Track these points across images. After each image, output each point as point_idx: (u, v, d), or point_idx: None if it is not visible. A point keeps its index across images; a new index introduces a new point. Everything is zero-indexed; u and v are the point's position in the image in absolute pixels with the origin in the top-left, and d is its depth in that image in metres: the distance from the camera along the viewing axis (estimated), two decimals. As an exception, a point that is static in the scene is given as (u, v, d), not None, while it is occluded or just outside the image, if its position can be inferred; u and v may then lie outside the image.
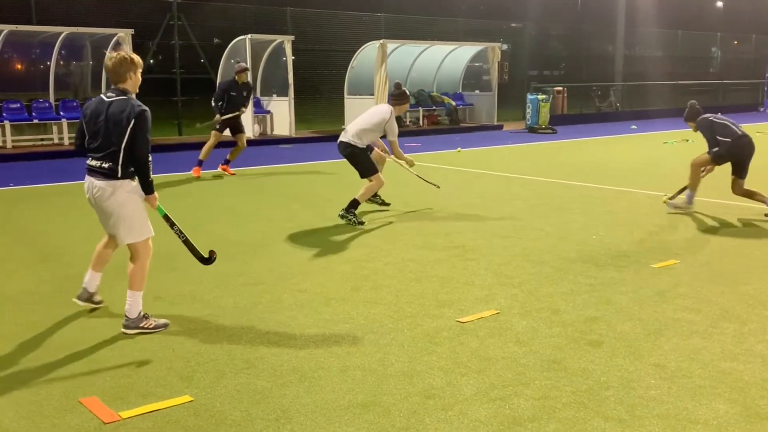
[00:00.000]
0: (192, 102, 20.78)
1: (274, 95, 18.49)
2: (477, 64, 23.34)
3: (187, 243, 5.07)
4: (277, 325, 4.73)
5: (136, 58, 4.67)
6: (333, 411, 3.54)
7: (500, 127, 21.90)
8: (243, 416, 3.49)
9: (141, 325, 4.61)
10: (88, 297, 5.02)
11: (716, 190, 9.25)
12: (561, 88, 23.88)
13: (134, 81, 4.67)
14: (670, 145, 16.70)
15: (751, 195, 8.24)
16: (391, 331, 4.63)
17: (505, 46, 23.21)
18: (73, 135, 15.70)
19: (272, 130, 18.50)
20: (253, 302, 5.22)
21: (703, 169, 8.54)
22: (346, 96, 20.41)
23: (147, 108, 4.54)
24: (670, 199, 8.76)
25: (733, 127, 8.28)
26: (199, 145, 16.92)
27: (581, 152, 15.57)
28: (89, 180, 4.60)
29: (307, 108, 21.53)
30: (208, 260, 5.09)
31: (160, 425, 3.40)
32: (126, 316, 4.63)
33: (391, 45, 20.08)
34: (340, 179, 11.60)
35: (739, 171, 8.20)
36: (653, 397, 3.68)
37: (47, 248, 6.93)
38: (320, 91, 23.09)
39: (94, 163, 4.55)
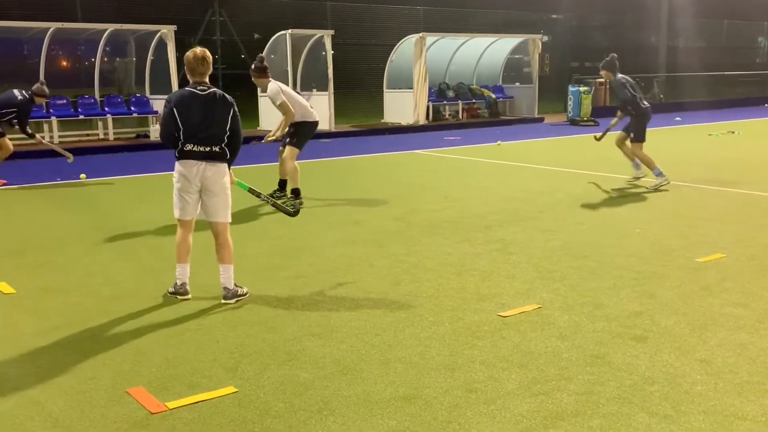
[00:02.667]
0: (233, 97, 20.96)
1: (314, 90, 18.57)
2: (517, 56, 23.13)
3: (275, 205, 6.12)
4: (319, 318, 4.77)
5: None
6: (375, 403, 3.56)
7: (541, 120, 21.70)
8: (286, 407, 3.53)
9: (238, 293, 5.10)
10: (185, 290, 5.19)
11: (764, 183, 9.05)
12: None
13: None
14: (716, 137, 16.38)
15: (631, 157, 9.93)
16: (431, 324, 4.64)
17: (545, 38, 22.97)
18: (118, 130, 16.09)
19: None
20: (295, 295, 5.26)
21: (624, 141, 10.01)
22: (385, 90, 20.42)
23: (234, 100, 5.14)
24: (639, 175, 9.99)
25: (641, 99, 9.77)
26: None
27: (624, 145, 15.34)
28: (199, 164, 4.99)
29: (346, 102, 21.58)
30: (295, 213, 6.15)
31: (206, 416, 3.46)
32: (225, 288, 5.09)
33: (430, 38, 20.02)
34: (380, 172, 11.64)
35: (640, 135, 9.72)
36: (699, 392, 3.63)
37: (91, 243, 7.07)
38: (359, 85, 23.14)
39: (202, 149, 4.97)
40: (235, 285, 5.14)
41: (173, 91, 15.61)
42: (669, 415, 3.40)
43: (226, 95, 5.10)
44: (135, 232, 7.38)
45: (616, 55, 10.19)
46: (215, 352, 4.22)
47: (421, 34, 19.49)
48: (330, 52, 17.92)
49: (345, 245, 6.72)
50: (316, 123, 8.90)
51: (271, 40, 18.38)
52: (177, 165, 5.08)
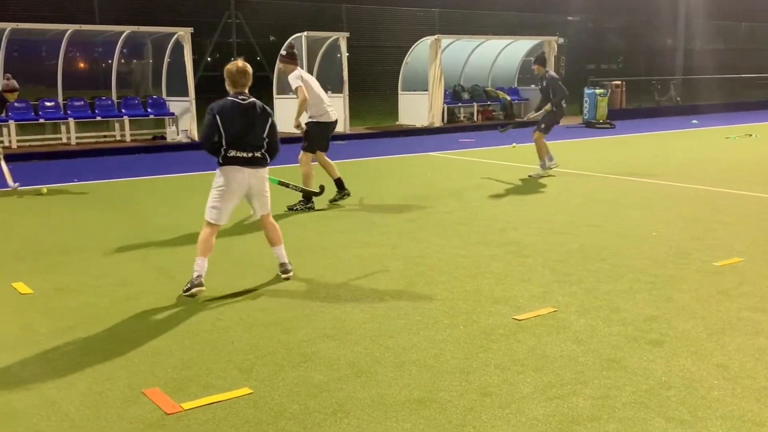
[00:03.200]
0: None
1: (329, 92, 18.60)
2: (532, 59, 23.05)
3: (303, 190, 7.04)
4: (333, 320, 4.77)
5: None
6: (389, 406, 3.55)
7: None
8: (301, 409, 3.53)
9: (290, 268, 5.71)
10: (201, 282, 5.26)
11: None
12: (619, 82, 23.44)
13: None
14: (733, 140, 16.26)
15: (540, 149, 10.92)
16: (446, 327, 4.62)
17: (561, 40, 22.84)
18: (135, 131, 16.18)
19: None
20: (309, 297, 5.27)
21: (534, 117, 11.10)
22: (400, 92, 20.42)
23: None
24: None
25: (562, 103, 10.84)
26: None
27: (640, 147, 15.27)
28: (245, 170, 5.35)
29: (361, 104, 21.62)
30: (320, 193, 6.79)
31: (221, 416, 3.47)
32: (284, 264, 5.69)
33: (445, 40, 20.02)
34: (394, 174, 11.63)
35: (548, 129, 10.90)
36: (716, 398, 3.59)
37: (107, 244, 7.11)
38: (374, 87, 23.16)
39: (247, 155, 5.34)
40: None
41: (189, 92, 15.78)
42: (686, 420, 3.37)
43: (265, 106, 5.43)
44: (150, 233, 7.41)
45: (544, 51, 11.23)
46: (230, 353, 4.23)
47: (436, 36, 19.49)
48: (345, 54, 17.94)
49: (359, 247, 6.72)
50: (329, 124, 8.67)
51: (286, 42, 18.39)
52: (221, 170, 5.37)
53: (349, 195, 8.95)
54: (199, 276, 5.24)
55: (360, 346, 4.32)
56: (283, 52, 8.57)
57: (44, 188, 9.95)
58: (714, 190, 9.51)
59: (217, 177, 5.38)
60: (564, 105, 11.01)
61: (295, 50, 8.60)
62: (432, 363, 4.06)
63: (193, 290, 5.19)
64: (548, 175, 10.95)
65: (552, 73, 11.16)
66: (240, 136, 5.28)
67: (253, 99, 5.39)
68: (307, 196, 8.53)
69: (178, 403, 3.59)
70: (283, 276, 5.66)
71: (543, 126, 10.97)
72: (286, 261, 5.71)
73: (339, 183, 8.92)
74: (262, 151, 5.40)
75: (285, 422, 3.41)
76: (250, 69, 5.39)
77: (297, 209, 8.44)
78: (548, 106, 10.89)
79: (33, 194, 9.83)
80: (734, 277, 5.62)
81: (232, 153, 5.28)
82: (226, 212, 5.43)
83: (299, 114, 8.41)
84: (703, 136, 17.72)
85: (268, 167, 5.54)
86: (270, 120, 5.42)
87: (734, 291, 5.26)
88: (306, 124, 8.57)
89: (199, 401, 3.61)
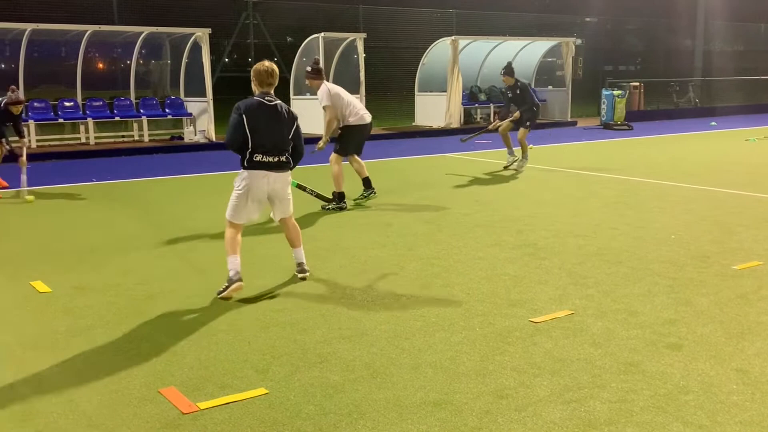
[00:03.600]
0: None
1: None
2: (550, 60, 22.98)
3: (318, 196, 7.24)
4: (349, 321, 4.77)
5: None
6: (405, 408, 3.54)
7: (574, 124, 21.53)
8: (316, 410, 3.53)
9: (307, 269, 5.73)
10: (239, 278, 5.23)
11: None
12: (637, 84, 23.30)
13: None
14: (752, 142, 16.11)
15: (522, 146, 11.75)
16: (462, 329, 4.61)
17: (579, 41, 22.75)
18: (153, 131, 16.30)
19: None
20: (326, 298, 5.27)
21: (499, 124, 12.15)
22: (416, 93, 20.41)
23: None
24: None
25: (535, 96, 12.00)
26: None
27: (659, 149, 15.17)
28: (268, 174, 5.29)
29: (378, 105, 21.61)
30: (331, 200, 6.90)
31: (237, 416, 3.47)
32: (302, 264, 5.71)
33: (463, 41, 19.98)
34: (411, 174, 11.62)
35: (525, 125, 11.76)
36: (735, 402, 3.56)
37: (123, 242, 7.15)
38: (391, 88, 23.15)
39: (271, 159, 5.27)
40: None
41: (207, 92, 15.86)
42: (704, 425, 3.33)
43: (291, 109, 5.42)
44: (169, 233, 7.45)
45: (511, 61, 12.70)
46: (246, 354, 4.24)
47: (453, 37, 19.46)
48: (362, 55, 17.96)
49: (375, 248, 6.72)
50: (362, 126, 8.77)
51: (303, 44, 18.48)
52: (245, 173, 5.30)
53: (375, 195, 9.11)
54: (236, 273, 5.21)
55: (376, 347, 4.32)
56: (308, 68, 8.69)
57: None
58: (734, 192, 9.42)
59: (240, 179, 5.33)
60: (537, 108, 12.13)
61: (320, 65, 8.71)
62: (448, 365, 4.05)
63: (232, 287, 5.14)
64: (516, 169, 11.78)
65: (523, 80, 12.03)
66: (267, 138, 5.23)
67: (279, 101, 5.37)
68: (340, 197, 8.60)
69: (194, 403, 3.60)
70: (300, 276, 5.67)
71: (528, 124, 11.87)
72: (304, 261, 5.73)
73: (366, 182, 9.05)
74: (287, 155, 5.38)
75: (301, 423, 3.41)
76: (277, 69, 5.39)
77: (330, 208, 8.55)
78: (516, 114, 11.75)
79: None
80: (754, 280, 5.56)
81: (258, 157, 5.23)
82: (247, 213, 5.38)
83: (327, 134, 8.62)
84: (722, 138, 17.57)
85: (290, 171, 5.53)
86: (295, 123, 5.40)
87: (754, 295, 5.21)
88: (340, 128, 8.74)
89: (215, 401, 3.62)
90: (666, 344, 4.31)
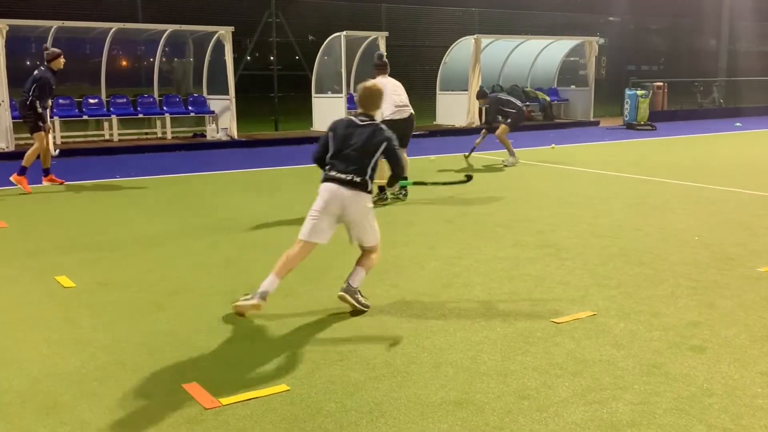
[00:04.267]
0: (288, 98, 21.18)
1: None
2: (573, 59, 22.86)
3: (446, 183, 6.94)
4: (370, 319, 4.77)
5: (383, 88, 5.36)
6: (425, 406, 3.54)
7: (596, 123, 21.40)
8: (337, 407, 3.54)
9: (357, 298, 4.95)
10: (266, 297, 4.80)
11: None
12: (661, 84, 23.09)
13: (381, 109, 6.12)
14: (779, 143, 15.92)
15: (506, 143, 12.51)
16: (483, 329, 4.60)
17: (602, 41, 22.63)
18: (176, 129, 16.43)
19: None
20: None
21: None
22: (438, 91, 20.38)
23: (393, 135, 5.11)
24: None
25: (517, 102, 12.70)
26: (295, 141, 17.20)
27: (682, 150, 15.03)
28: (337, 188, 4.93)
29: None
30: (468, 180, 6.46)
31: (259, 413, 3.49)
32: (348, 283, 4.95)
33: (485, 40, 19.92)
34: (432, 173, 11.60)
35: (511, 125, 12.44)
36: (760, 406, 3.52)
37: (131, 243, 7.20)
38: (413, 86, 23.06)
39: (342, 176, 4.94)
40: (359, 293, 5.01)
41: (230, 90, 15.95)
42: (728, 429, 3.30)
43: (385, 132, 5.06)
44: (193, 230, 7.50)
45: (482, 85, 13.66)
46: (268, 351, 4.26)
47: (476, 36, 19.41)
48: (384, 54, 17.94)
49: (396, 247, 6.72)
50: (401, 120, 9.08)
51: (325, 42, 18.50)
52: (321, 187, 5.02)
53: (405, 194, 9.35)
54: (265, 293, 4.76)
55: (396, 345, 4.32)
56: (376, 60, 9.54)
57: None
58: (759, 194, 9.32)
59: (319, 194, 5.03)
60: (516, 111, 12.53)
61: (384, 59, 9.46)
62: (469, 364, 4.04)
63: (252, 301, 4.72)
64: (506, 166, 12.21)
65: (493, 94, 13.20)
66: (341, 155, 4.99)
67: (370, 122, 5.06)
68: (381, 188, 8.90)
69: (216, 398, 3.62)
70: (341, 293, 4.96)
71: (510, 121, 12.39)
72: (356, 286, 5.01)
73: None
74: (364, 177, 4.96)
75: (322, 419, 3.42)
76: (378, 92, 5.21)
77: (374, 200, 8.79)
78: (484, 132, 12.67)
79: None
80: (779, 283, 5.50)
81: (333, 173, 4.97)
82: (317, 231, 4.95)
83: None
84: (747, 139, 17.38)
85: (368, 193, 5.04)
86: (384, 146, 5.00)
87: (779, 298, 5.15)
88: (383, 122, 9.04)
89: (237, 397, 3.64)
90: (689, 346, 4.28)
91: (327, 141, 5.09)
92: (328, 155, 5.04)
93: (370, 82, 5.28)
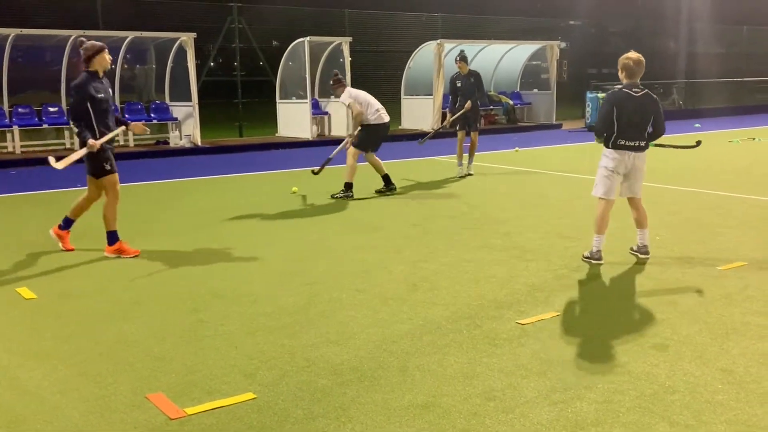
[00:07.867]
0: (252, 104, 21.06)
1: (332, 97, 18.61)
2: (535, 63, 23.10)
3: (679, 147, 7.55)
4: (337, 325, 4.77)
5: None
6: (393, 411, 3.55)
7: (559, 126, 21.64)
8: (305, 414, 3.53)
9: (648, 251, 6.27)
10: (600, 255, 6.12)
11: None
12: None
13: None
14: (736, 143, 16.24)
15: (474, 148, 11.85)
16: (449, 332, 4.62)
17: (563, 44, 22.88)
18: (139, 136, 16.24)
19: (329, 131, 18.63)
20: (312, 302, 5.27)
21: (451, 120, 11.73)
22: (402, 96, 20.44)
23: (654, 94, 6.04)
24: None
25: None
26: (260, 147, 17.05)
27: (643, 151, 15.24)
28: (629, 154, 6.00)
29: (364, 109, 21.63)
30: (698, 144, 7.27)
31: (225, 422, 3.47)
32: (646, 246, 6.24)
33: (448, 45, 20.03)
34: (398, 178, 11.62)
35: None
36: (721, 402, 3.59)
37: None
38: (377, 91, 23.11)
39: (633, 143, 5.98)
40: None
41: (193, 97, 15.77)
42: (690, 425, 3.36)
43: (654, 95, 6.00)
44: (154, 238, 7.42)
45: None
46: (234, 358, 4.23)
47: (439, 41, 19.51)
48: (348, 59, 17.97)
49: (363, 251, 6.72)
50: (378, 126, 9.65)
51: (289, 48, 18.46)
52: (610, 152, 6.02)
53: (395, 189, 9.89)
54: (599, 251, 6.09)
55: (363, 350, 4.32)
56: (331, 81, 9.98)
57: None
58: (718, 193, 9.50)
59: (605, 159, 6.06)
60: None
61: (339, 76, 9.97)
62: (435, 368, 4.06)
63: (593, 262, 6.07)
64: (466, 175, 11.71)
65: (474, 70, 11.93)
66: (629, 127, 5.91)
67: (647, 90, 5.94)
68: (348, 186, 9.46)
69: (182, 408, 3.59)
70: (641, 257, 6.20)
71: (478, 125, 11.91)
72: (647, 244, 6.21)
73: (386, 179, 9.98)
74: (645, 141, 6.00)
75: (289, 427, 3.41)
76: (643, 60, 5.96)
77: (338, 197, 9.43)
78: (468, 104, 11.38)
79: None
80: (738, 281, 5.61)
81: (622, 142, 5.95)
82: (613, 189, 6.08)
83: (355, 127, 9.62)
84: (706, 139, 17.62)
85: (646, 153, 6.07)
86: (658, 109, 5.98)
87: (738, 295, 5.26)
88: (360, 126, 9.64)
89: (202, 406, 3.61)
90: (651, 345, 4.34)
91: (611, 116, 5.92)
92: (615, 127, 5.92)
93: (631, 53, 6.01)
